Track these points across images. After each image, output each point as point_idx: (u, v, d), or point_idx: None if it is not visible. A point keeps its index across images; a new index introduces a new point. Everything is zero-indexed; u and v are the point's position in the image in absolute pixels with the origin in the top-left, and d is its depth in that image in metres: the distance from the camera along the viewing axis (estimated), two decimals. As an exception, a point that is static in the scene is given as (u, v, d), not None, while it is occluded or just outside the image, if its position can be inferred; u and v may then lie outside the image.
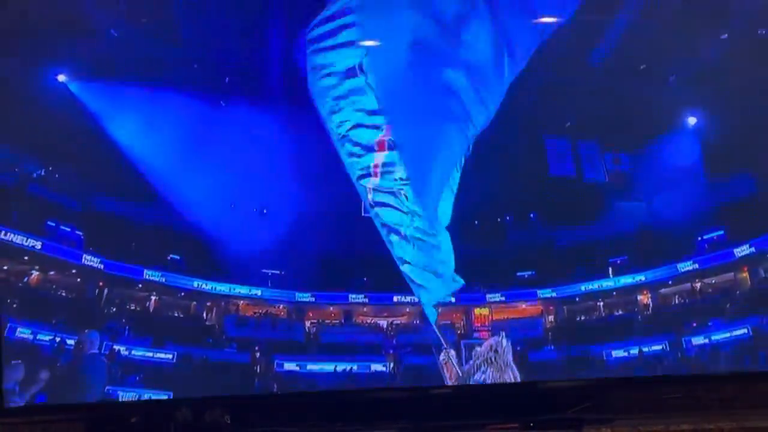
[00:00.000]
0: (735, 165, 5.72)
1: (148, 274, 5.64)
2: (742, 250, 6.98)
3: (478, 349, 4.19)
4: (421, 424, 3.03)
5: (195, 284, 5.83)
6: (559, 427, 2.90)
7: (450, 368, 4.17)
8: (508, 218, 6.08)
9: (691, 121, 5.88)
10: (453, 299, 5.17)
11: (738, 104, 5.28)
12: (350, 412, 3.20)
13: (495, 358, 4.10)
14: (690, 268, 6.78)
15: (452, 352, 4.23)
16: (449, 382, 4.03)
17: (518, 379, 3.91)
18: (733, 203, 6.22)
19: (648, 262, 6.47)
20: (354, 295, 5.87)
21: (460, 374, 4.11)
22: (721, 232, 7.29)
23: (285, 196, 5.39)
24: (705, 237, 7.27)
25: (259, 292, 5.88)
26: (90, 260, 5.49)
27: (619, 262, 6.43)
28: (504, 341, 4.16)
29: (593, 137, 6.23)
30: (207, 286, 5.85)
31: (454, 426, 2.97)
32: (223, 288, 5.86)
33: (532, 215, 6.30)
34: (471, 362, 4.07)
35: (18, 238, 5.14)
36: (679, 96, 5.72)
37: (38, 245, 5.24)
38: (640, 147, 6.22)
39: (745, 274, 7.30)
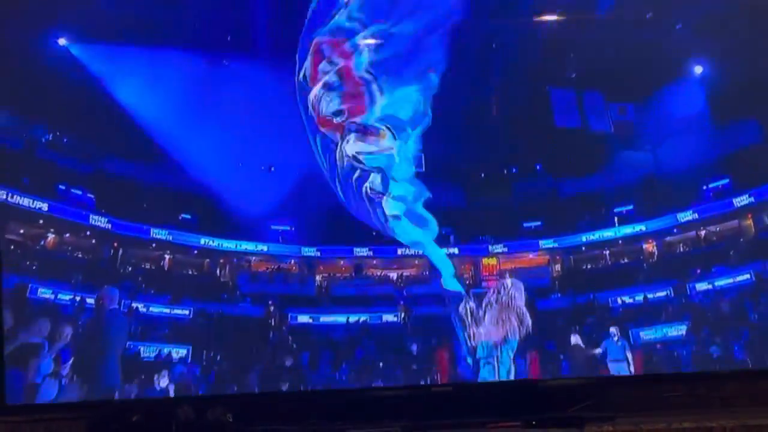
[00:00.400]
0: (741, 113, 5.68)
1: (155, 233, 5.73)
2: (745, 199, 7.03)
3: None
4: (423, 423, 3.06)
5: (202, 241, 5.91)
6: (561, 425, 2.91)
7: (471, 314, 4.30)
8: (514, 170, 6.09)
9: (698, 69, 5.82)
10: (457, 250, 5.29)
11: (744, 52, 5.21)
12: (352, 411, 3.26)
13: (498, 299, 4.22)
14: (693, 217, 6.83)
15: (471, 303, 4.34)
16: (470, 328, 4.15)
17: (527, 319, 4.03)
18: (739, 151, 6.22)
19: (653, 210, 6.52)
20: (359, 249, 5.96)
21: (478, 320, 4.25)
22: (726, 181, 7.32)
23: (292, 152, 5.40)
24: (710, 186, 7.31)
25: (265, 248, 5.96)
26: (98, 220, 5.58)
27: (624, 211, 6.48)
28: (508, 282, 4.27)
29: (598, 88, 6.17)
30: (214, 243, 5.93)
31: (455, 424, 2.99)
32: (229, 245, 5.93)
33: (537, 166, 6.30)
34: (482, 308, 4.18)
35: (29, 202, 5.22)
36: (685, 44, 5.63)
37: (45, 207, 5.30)
38: (645, 97, 6.17)
39: (750, 222, 7.36)
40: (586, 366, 5.14)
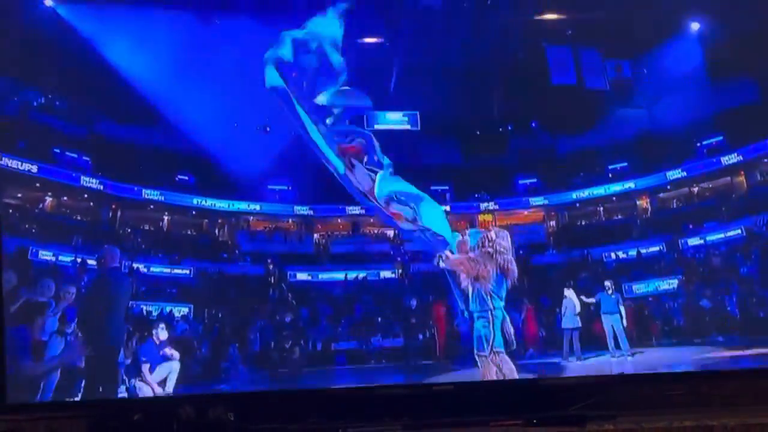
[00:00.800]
0: (736, 71, 5.65)
1: (147, 193, 5.72)
2: (738, 156, 7.07)
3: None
4: (424, 421, 3.03)
5: (194, 201, 5.91)
6: (562, 424, 2.89)
7: (464, 246, 4.36)
8: (509, 127, 6.08)
9: (694, 27, 5.77)
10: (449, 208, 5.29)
11: (741, 10, 5.15)
12: (353, 410, 3.21)
13: (482, 251, 4.30)
14: (686, 173, 6.87)
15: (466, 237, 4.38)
16: (457, 255, 4.24)
17: (513, 269, 4.13)
18: (734, 109, 6.22)
19: (647, 167, 6.55)
20: (351, 207, 5.98)
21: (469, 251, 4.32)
22: (720, 138, 7.34)
23: (287, 113, 5.36)
24: (704, 143, 7.33)
25: (258, 207, 5.97)
26: (90, 182, 5.56)
27: (618, 168, 6.53)
28: (492, 234, 4.32)
29: (594, 45, 6.12)
30: (207, 202, 5.95)
31: (457, 422, 2.97)
32: (222, 204, 5.95)
33: (533, 124, 6.30)
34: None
35: (26, 166, 5.19)
36: (682, 1, 5.56)
37: (36, 169, 5.26)
38: (641, 54, 6.13)
39: (742, 178, 7.42)
40: (581, 319, 5.31)
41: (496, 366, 4.30)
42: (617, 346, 5.27)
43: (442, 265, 4.37)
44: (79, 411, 3.40)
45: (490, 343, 4.35)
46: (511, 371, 4.25)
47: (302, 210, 5.91)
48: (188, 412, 3.04)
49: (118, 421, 3.21)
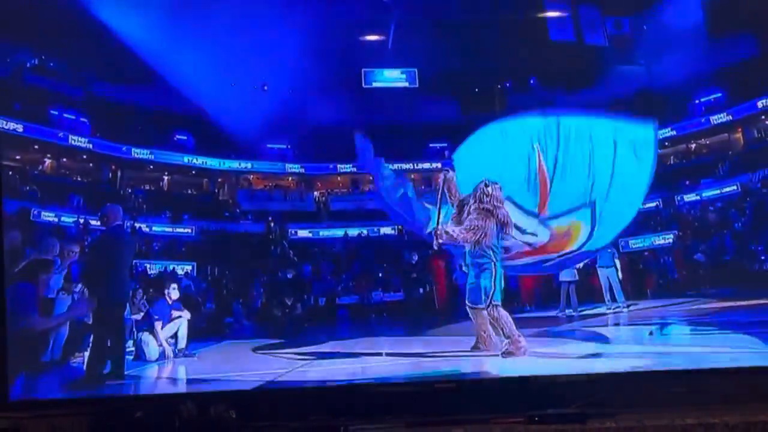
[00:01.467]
0: (736, 26, 5.59)
1: (145, 153, 5.70)
2: (736, 112, 7.07)
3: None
4: (426, 418, 3.01)
5: (185, 159, 5.90)
6: (564, 421, 2.88)
7: (453, 187, 4.41)
8: (508, 84, 6.04)
9: (695, -19, 5.69)
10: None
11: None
12: (355, 407, 3.18)
13: (479, 206, 4.35)
14: (682, 132, 6.88)
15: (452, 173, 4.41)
16: (453, 229, 4.29)
17: (510, 219, 4.18)
18: (733, 65, 6.19)
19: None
20: (342, 165, 5.99)
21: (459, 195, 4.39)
22: (719, 95, 7.33)
23: (285, 71, 5.33)
24: (702, 99, 7.32)
25: (249, 165, 5.97)
26: (87, 143, 5.54)
27: (617, 124, 6.51)
28: (489, 189, 4.36)
29: (594, 1, 6.04)
30: (197, 161, 5.94)
31: (459, 420, 2.94)
32: (213, 162, 5.94)
33: (532, 81, 6.26)
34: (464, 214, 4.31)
35: (22, 127, 5.16)
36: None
37: (20, 128, 5.18)
38: (641, 10, 6.05)
39: (739, 135, 7.45)
40: (577, 273, 5.40)
41: (492, 319, 4.38)
42: (613, 298, 5.43)
43: (440, 242, 4.40)
44: (82, 408, 3.34)
45: (489, 296, 4.41)
46: (509, 324, 4.36)
47: (294, 168, 5.89)
48: (190, 410, 3.04)
49: (120, 419, 3.21)
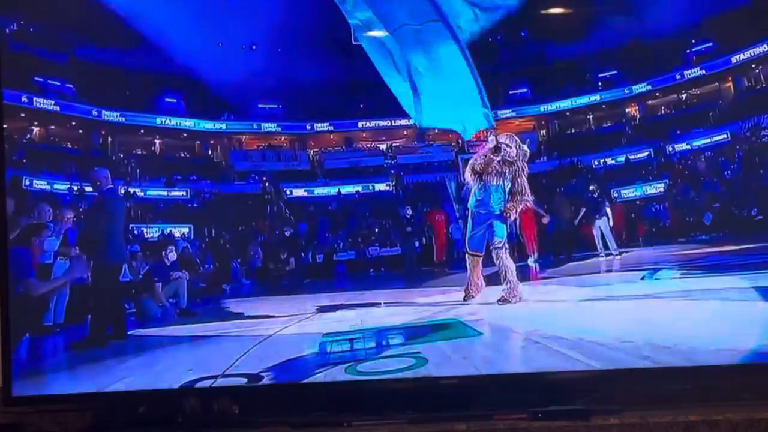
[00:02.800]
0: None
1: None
2: (726, 62, 7.06)
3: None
4: (429, 415, 3.02)
5: (158, 121, 5.76)
6: (568, 418, 2.88)
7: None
8: (498, 37, 5.98)
9: (685, -77, 5.60)
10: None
11: None
12: (358, 403, 3.20)
13: (498, 160, 4.41)
14: (674, 80, 6.88)
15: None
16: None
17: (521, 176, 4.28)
18: (723, 13, 6.14)
19: (636, 75, 6.55)
20: (319, 124, 5.95)
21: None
22: (710, 44, 7.31)
23: (273, 29, 5.24)
24: (693, 49, 7.30)
25: (224, 126, 5.89)
26: (75, 108, 5.44)
27: (608, 75, 6.51)
28: (517, 145, 4.44)
29: (582, -51, 5.94)
30: (171, 121, 5.82)
31: (462, 416, 2.95)
32: (188, 123, 5.84)
33: (522, 33, 6.20)
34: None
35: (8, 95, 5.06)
36: None
37: (24, 99, 5.09)
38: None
39: (729, 84, 7.46)
40: (571, 223, 5.49)
41: (499, 262, 4.49)
42: (605, 246, 5.53)
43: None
44: (85, 404, 3.36)
45: (495, 243, 4.50)
46: (512, 271, 4.45)
47: (270, 127, 5.83)
48: (193, 405, 3.07)
49: (124, 414, 3.26)
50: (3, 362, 3.33)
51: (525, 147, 4.59)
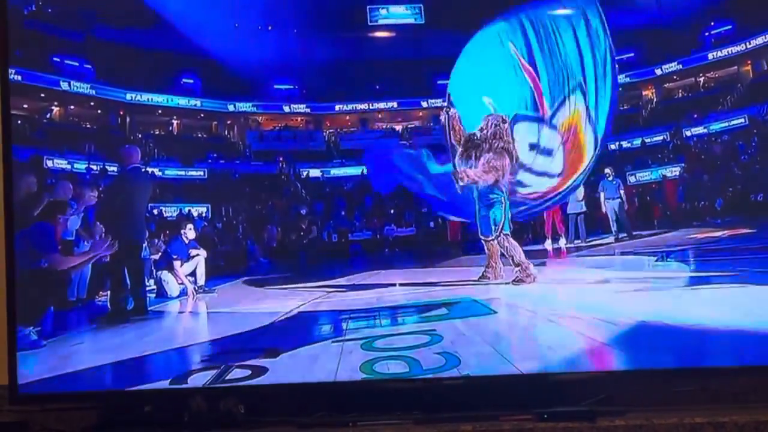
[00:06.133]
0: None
1: (142, 97, 5.58)
2: (745, 44, 6.96)
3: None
4: (435, 415, 3.00)
5: (192, 103, 5.79)
6: (573, 419, 2.86)
7: (456, 124, 4.51)
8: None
9: None
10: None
11: None
12: (363, 403, 3.20)
13: (500, 141, 4.41)
14: (693, 63, 6.80)
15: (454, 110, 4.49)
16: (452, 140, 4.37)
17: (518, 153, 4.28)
18: (743, -4, 6.05)
19: (653, 57, 6.48)
20: (336, 104, 5.87)
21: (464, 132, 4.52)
22: (729, 27, 7.20)
23: (289, 9, 5.24)
24: (712, 32, 7.20)
25: (198, 103, 5.81)
26: (93, 88, 5.44)
27: (625, 58, 6.45)
28: (507, 126, 4.42)
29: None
30: (188, 102, 5.80)
31: (467, 417, 2.94)
32: (220, 105, 5.83)
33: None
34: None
35: (27, 76, 5.12)
36: None
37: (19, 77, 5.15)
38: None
39: (748, 67, 7.35)
40: (586, 204, 5.50)
41: (503, 248, 4.56)
42: (620, 229, 5.55)
43: (462, 184, 4.48)
44: (90, 402, 3.38)
45: (499, 228, 4.57)
46: (519, 253, 4.51)
47: (301, 107, 5.81)
48: (199, 404, 3.07)
49: (129, 412, 3.26)
50: (9, 361, 3.37)
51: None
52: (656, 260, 4.90)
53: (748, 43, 6.81)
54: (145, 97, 5.65)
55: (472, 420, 2.90)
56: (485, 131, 4.58)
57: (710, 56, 6.92)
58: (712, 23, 6.85)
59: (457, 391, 3.23)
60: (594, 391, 3.08)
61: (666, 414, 2.86)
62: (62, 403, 3.36)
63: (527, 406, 2.97)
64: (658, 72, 6.57)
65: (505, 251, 4.52)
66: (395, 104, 5.99)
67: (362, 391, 3.32)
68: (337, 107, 5.91)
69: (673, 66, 6.79)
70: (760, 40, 6.53)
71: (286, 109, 5.79)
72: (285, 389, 3.31)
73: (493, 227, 4.52)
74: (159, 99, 5.71)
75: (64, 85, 5.47)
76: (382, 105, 6.01)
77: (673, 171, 6.11)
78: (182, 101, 5.82)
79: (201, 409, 3.08)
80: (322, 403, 3.21)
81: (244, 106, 5.89)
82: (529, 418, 2.90)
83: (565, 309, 3.95)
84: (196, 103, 5.87)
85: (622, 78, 6.35)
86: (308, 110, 5.84)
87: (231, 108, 5.86)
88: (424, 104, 5.81)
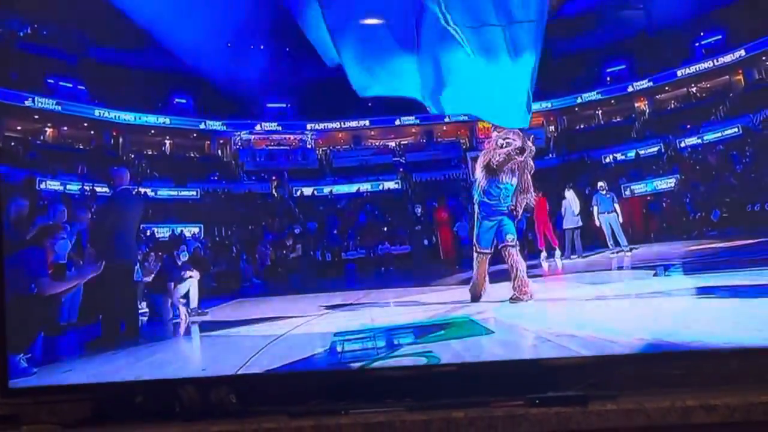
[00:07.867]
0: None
1: (135, 117, 5.62)
2: (737, 54, 6.99)
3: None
4: (427, 402, 2.97)
5: (168, 121, 5.79)
6: (565, 404, 2.83)
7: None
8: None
9: None
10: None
11: None
12: (355, 391, 3.17)
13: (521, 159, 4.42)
14: (683, 74, 6.84)
15: None
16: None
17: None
18: (733, 5, 6.08)
19: (645, 69, 6.50)
20: (329, 123, 5.95)
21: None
22: (719, 37, 7.23)
23: (280, 30, 5.25)
24: (702, 42, 7.23)
25: (167, 121, 5.82)
26: (87, 110, 5.50)
27: (617, 70, 6.47)
28: (531, 143, 4.42)
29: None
30: (180, 122, 5.88)
31: (459, 403, 2.91)
32: (214, 124, 5.90)
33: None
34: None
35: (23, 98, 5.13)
36: None
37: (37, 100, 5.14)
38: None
39: (740, 77, 7.38)
40: (581, 219, 5.47)
41: (513, 261, 4.48)
42: (616, 243, 5.54)
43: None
44: (82, 394, 3.33)
45: (505, 240, 4.50)
46: (522, 269, 4.44)
47: (294, 125, 5.86)
48: (190, 394, 3.05)
49: (121, 404, 3.24)
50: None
51: (530, 143, 4.57)
52: (654, 274, 4.86)
53: (737, 52, 6.86)
54: (138, 117, 5.68)
55: (464, 406, 2.87)
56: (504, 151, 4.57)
57: (701, 67, 6.96)
58: (702, 34, 6.90)
59: (449, 378, 3.22)
60: (585, 376, 3.04)
61: (658, 398, 2.83)
62: (54, 396, 3.31)
63: (519, 392, 2.93)
64: (650, 83, 6.62)
65: (510, 264, 4.48)
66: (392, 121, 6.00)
67: (354, 379, 3.34)
68: (330, 125, 5.94)
69: (665, 76, 6.81)
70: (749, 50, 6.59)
71: (278, 127, 5.80)
72: (276, 378, 3.32)
73: (508, 237, 4.47)
74: (151, 119, 5.74)
75: (58, 107, 5.49)
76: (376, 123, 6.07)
77: (668, 182, 6.13)
78: (175, 120, 5.86)
79: (193, 399, 3.05)
80: (315, 391, 3.18)
81: (236, 125, 5.90)
82: (520, 404, 2.86)
83: (563, 328, 3.91)
84: (188, 122, 5.89)
85: (612, 90, 6.44)
86: (300, 129, 5.85)
87: (222, 127, 5.89)
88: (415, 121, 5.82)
